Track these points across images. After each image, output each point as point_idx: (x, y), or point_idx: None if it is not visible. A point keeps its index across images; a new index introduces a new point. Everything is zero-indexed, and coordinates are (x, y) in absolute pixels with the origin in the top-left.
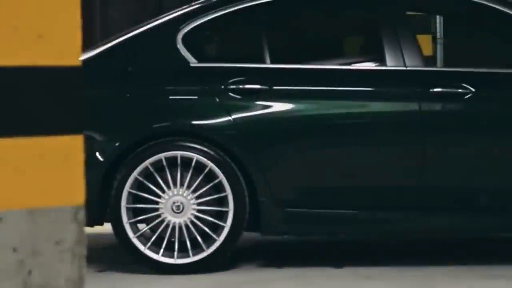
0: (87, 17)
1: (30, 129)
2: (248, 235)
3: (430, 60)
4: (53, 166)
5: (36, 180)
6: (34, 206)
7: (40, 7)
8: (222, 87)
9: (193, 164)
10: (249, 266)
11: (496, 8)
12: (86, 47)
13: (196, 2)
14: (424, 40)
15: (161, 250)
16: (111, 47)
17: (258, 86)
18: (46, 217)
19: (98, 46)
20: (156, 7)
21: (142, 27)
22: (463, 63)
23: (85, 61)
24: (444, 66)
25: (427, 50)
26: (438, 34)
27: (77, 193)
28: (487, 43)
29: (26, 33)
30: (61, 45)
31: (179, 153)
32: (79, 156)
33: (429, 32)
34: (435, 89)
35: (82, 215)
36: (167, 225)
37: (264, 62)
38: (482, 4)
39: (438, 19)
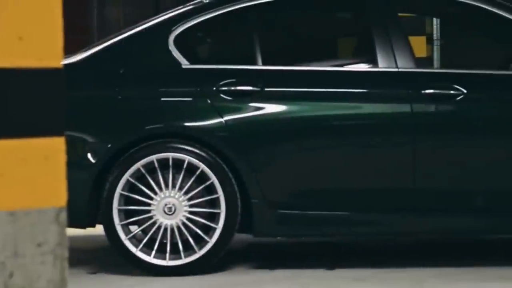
0: (84, 18)
1: (11, 131)
2: (240, 237)
3: (426, 61)
4: (34, 168)
5: (17, 182)
6: (16, 208)
7: (21, 9)
8: (214, 88)
9: (185, 165)
10: (241, 268)
11: (488, 10)
12: (83, 48)
13: (188, 4)
14: (418, 42)
15: (153, 252)
16: (103, 48)
17: (250, 88)
18: (27, 219)
19: (90, 48)
20: (153, 8)
21: (134, 28)
22: (455, 64)
23: (77, 63)
24: (437, 68)
25: (421, 52)
26: (435, 35)
27: (59, 195)
28: (479, 44)
29: (6, 35)
30: (42, 47)
31: (170, 154)
32: (61, 158)
33: (423, 33)
34: (427, 91)
35: (64, 216)
36: (159, 227)
37: (255, 64)
38: (474, 5)
39: (435, 21)
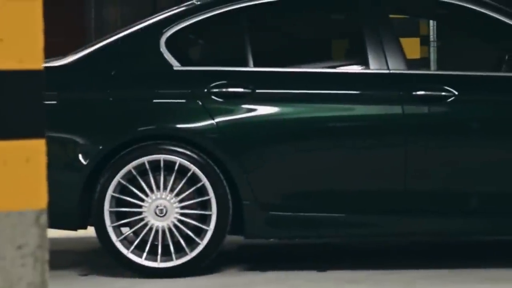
0: (82, 19)
1: None
2: (232, 239)
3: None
4: (14, 170)
5: None
6: None
7: (1, 11)
8: (205, 90)
9: (176, 167)
10: (233, 269)
11: (480, 11)
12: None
13: (179, 6)
14: (412, 43)
15: (144, 254)
16: (95, 50)
17: (241, 90)
18: (7, 221)
19: (82, 50)
20: (150, 8)
21: (125, 30)
22: (448, 65)
23: (69, 64)
24: (432, 69)
25: (415, 53)
26: (431, 37)
27: (39, 197)
28: (471, 46)
29: None
30: (22, 49)
31: (162, 156)
32: (41, 160)
33: (417, 35)
34: (418, 92)
35: (44, 219)
36: (150, 229)
37: (247, 65)
38: (465, 7)
39: (431, 22)
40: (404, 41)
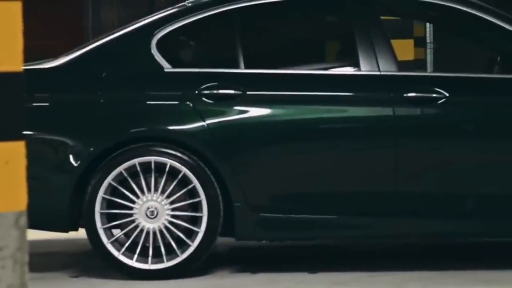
0: (80, 20)
1: None
2: (223, 240)
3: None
4: None
5: None
6: None
7: None
8: (196, 92)
9: (167, 169)
10: (224, 271)
11: (471, 13)
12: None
13: (170, 8)
14: (406, 45)
15: (135, 256)
16: (86, 52)
17: (231, 91)
18: None
19: (73, 51)
20: (147, 10)
21: (116, 32)
22: (442, 67)
23: (60, 66)
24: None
25: (409, 55)
26: (428, 38)
27: (19, 199)
28: (462, 48)
29: None
30: (1, 51)
31: (153, 158)
32: (21, 162)
33: (411, 36)
34: (409, 94)
35: (24, 221)
36: (141, 231)
37: (238, 67)
38: (457, 8)
39: (428, 24)
40: (398, 43)
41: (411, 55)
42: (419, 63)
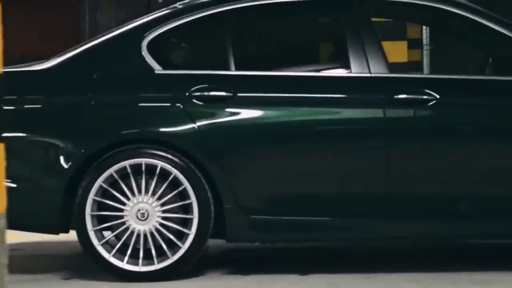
0: (77, 23)
1: None
2: (214, 242)
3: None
4: None
5: None
6: None
7: None
8: (187, 94)
9: (157, 171)
10: (215, 273)
11: (462, 15)
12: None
13: (161, 10)
14: (399, 47)
15: (126, 258)
16: (77, 54)
17: (222, 93)
18: None
19: (64, 53)
20: (144, 12)
21: (107, 34)
22: (437, 69)
23: (51, 68)
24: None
25: (402, 57)
26: (424, 40)
27: None
28: (453, 49)
29: None
30: None
31: (143, 160)
32: (0, 164)
33: (405, 38)
34: (400, 96)
35: (3, 223)
36: (132, 233)
37: (228, 69)
38: (448, 10)
39: (424, 26)
40: (391, 45)
41: (404, 57)
42: (415, 65)
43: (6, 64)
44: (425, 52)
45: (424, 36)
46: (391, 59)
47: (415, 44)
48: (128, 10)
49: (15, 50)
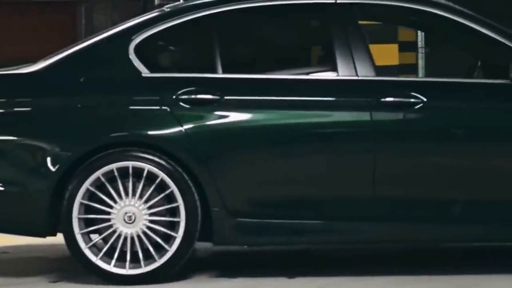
0: (73, 26)
1: None
2: (202, 245)
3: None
4: None
5: None
6: None
7: None
8: (174, 97)
9: (144, 174)
10: (202, 276)
11: (450, 18)
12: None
13: (148, 13)
14: (390, 50)
15: (113, 261)
16: (64, 57)
17: (209, 96)
18: None
19: (51, 56)
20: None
21: (95, 37)
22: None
23: (38, 71)
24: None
25: (393, 60)
26: (419, 43)
27: None
28: (441, 52)
29: None
30: None
31: (130, 163)
32: None
33: (396, 41)
34: (387, 99)
35: None
36: (119, 236)
37: (215, 72)
38: (436, 13)
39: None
40: (382, 47)
41: (395, 60)
42: (410, 68)
43: (4, 66)
44: (420, 55)
45: (419, 39)
46: (382, 62)
47: (409, 47)
48: (124, 13)
49: (12, 53)
